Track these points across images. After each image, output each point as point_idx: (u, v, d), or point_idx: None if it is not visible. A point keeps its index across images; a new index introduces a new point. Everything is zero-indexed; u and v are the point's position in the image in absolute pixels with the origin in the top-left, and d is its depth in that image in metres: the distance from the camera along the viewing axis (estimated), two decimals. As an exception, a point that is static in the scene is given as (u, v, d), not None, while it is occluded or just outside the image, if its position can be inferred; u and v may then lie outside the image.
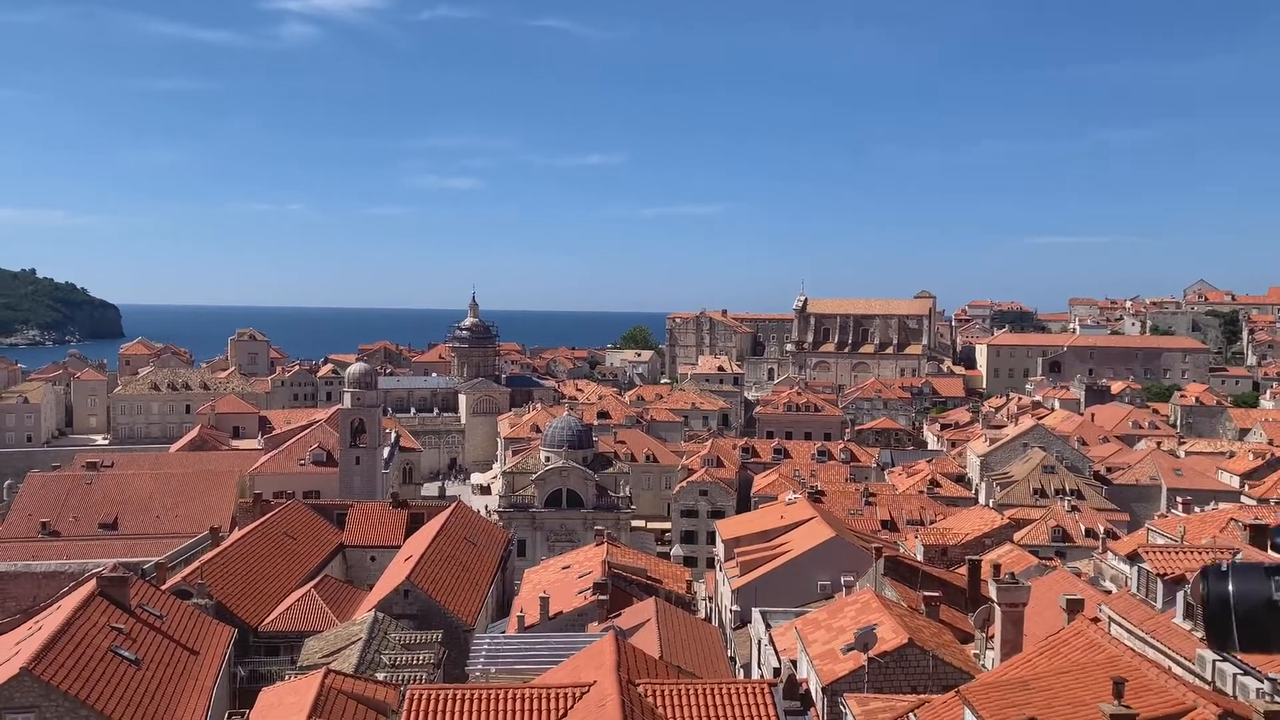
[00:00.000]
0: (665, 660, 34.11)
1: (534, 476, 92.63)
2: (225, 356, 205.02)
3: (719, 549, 69.21)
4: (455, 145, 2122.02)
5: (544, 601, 47.00)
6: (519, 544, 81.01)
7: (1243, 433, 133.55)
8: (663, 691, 26.16)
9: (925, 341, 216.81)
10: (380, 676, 34.61)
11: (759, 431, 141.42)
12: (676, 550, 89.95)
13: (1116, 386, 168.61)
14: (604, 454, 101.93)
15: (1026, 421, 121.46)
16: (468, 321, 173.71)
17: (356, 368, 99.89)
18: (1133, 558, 36.46)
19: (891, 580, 46.76)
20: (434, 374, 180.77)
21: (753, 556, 58.33)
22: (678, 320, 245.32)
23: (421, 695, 25.34)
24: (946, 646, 35.86)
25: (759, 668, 44.51)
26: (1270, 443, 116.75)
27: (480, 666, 35.64)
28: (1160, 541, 46.78)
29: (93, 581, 39.27)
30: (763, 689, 26.68)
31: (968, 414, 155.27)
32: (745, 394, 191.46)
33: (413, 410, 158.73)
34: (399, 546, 61.13)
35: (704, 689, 26.51)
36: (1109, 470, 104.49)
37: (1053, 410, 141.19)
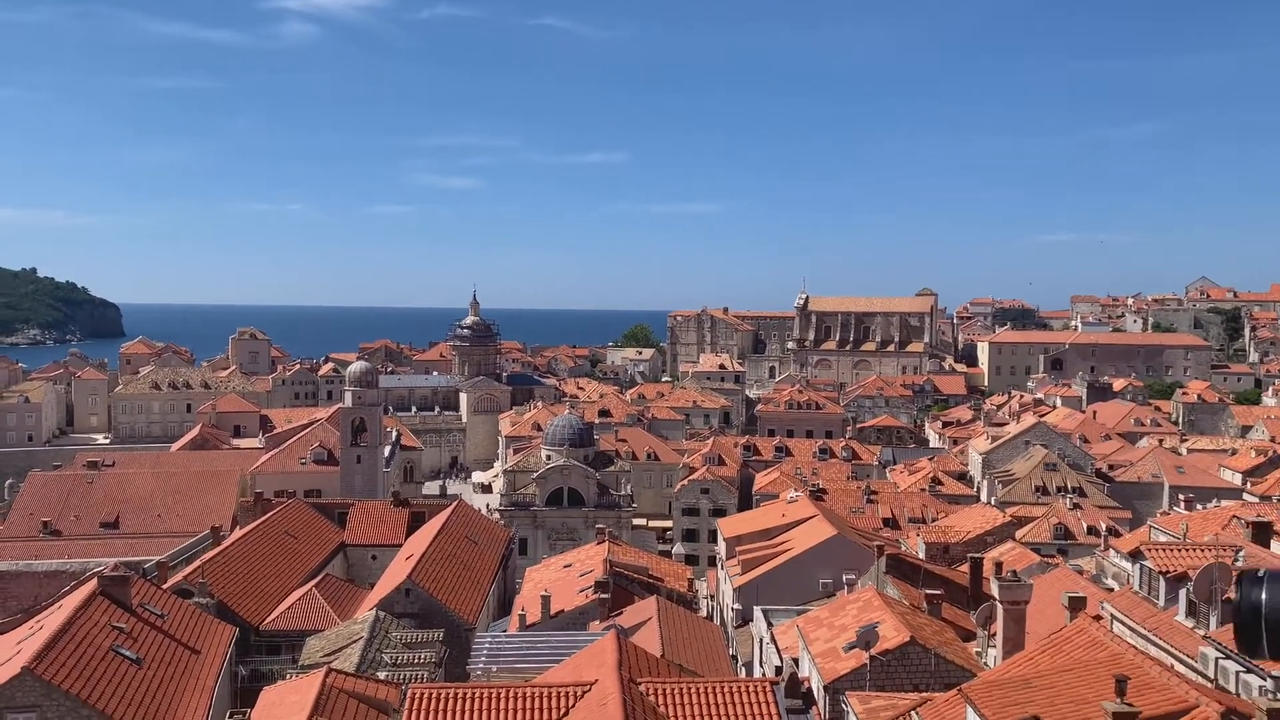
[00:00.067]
0: (667, 659, 34.08)
1: (535, 475, 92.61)
2: (226, 355, 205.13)
3: (720, 547, 69.17)
4: (456, 144, 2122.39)
5: (545, 600, 46.97)
6: (520, 542, 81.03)
7: (1245, 430, 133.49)
8: (664, 690, 26.13)
9: (927, 339, 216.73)
10: (382, 675, 34.58)
11: (760, 429, 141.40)
12: (678, 549, 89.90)
13: (1118, 384, 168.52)
14: (605, 452, 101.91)
15: (1028, 419, 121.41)
16: (469, 320, 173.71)
17: (357, 366, 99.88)
18: (1135, 555, 36.42)
19: (893, 578, 46.71)
20: (435, 372, 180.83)
21: (754, 555, 58.28)
22: (679, 318, 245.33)
23: (423, 694, 25.31)
24: (948, 645, 35.80)
25: (761, 666, 44.47)
26: (1272, 440, 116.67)
27: (482, 665, 35.61)
28: (1162, 539, 46.68)
29: (94, 581, 39.26)
30: (764, 687, 26.65)
31: (969, 412, 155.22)
32: (746, 392, 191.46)
33: (414, 409, 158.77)
34: (400, 545, 61.13)
35: (706, 688, 26.48)
36: (1111, 468, 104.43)
37: (1054, 408, 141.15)
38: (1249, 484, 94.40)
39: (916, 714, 26.50)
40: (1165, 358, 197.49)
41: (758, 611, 47.05)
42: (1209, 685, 25.24)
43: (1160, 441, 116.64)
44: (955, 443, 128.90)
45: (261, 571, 53.52)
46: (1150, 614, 33.01)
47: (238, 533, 60.88)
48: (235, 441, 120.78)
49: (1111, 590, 41.92)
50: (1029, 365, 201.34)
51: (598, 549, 57.58)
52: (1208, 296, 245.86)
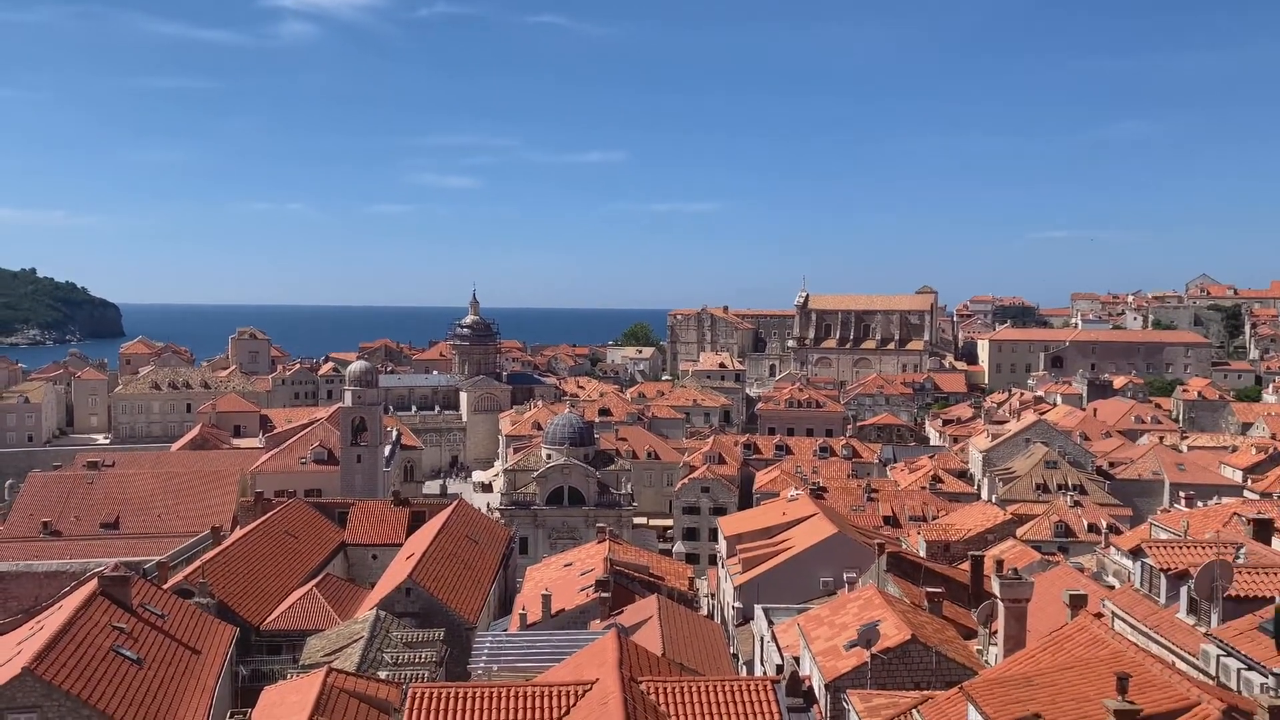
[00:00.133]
0: (668, 658, 34.04)
1: (535, 474, 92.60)
2: (226, 355, 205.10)
3: (721, 546, 69.15)
4: (455, 143, 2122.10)
5: (546, 599, 46.94)
6: (521, 541, 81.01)
7: (1245, 427, 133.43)
8: (665, 689, 26.09)
9: (927, 337, 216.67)
10: (382, 675, 34.55)
11: (761, 428, 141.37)
12: (678, 547, 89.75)
13: (1119, 381, 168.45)
14: (605, 451, 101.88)
15: (1029, 417, 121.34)
16: (468, 319, 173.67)
17: (357, 366, 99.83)
18: (1136, 553, 36.36)
19: (894, 576, 46.70)
20: (435, 372, 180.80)
21: (755, 553, 58.26)
22: (679, 317, 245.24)
23: (424, 694, 25.27)
24: (949, 643, 35.78)
25: (761, 664, 44.45)
26: (1273, 437, 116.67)
27: (482, 665, 35.57)
28: (1163, 536, 46.65)
29: (94, 581, 39.22)
30: (765, 686, 26.60)
31: (970, 409, 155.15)
32: (747, 390, 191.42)
33: (414, 408, 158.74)
34: (400, 545, 61.09)
35: (707, 686, 26.43)
36: (1111, 465, 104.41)
37: (1055, 405, 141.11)
38: (1249, 481, 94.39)
39: (918, 712, 26.48)
40: (1165, 355, 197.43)
41: (758, 610, 47.03)
42: (1210, 683, 25.21)
43: (1161, 439, 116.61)
44: (956, 441, 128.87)
45: (262, 571, 53.48)
46: (1151, 611, 32.97)
47: (238, 533, 60.84)
48: (235, 441, 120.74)
49: (1112, 588, 41.89)
50: (1029, 363, 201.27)
51: (598, 548, 57.55)
52: (1208, 294, 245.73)
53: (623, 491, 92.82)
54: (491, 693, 25.30)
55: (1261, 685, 24.81)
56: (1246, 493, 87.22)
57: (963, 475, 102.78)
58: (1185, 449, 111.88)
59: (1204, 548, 34.15)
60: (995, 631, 34.01)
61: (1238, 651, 26.69)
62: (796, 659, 37.52)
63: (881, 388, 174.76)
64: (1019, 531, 69.75)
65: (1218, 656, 27.19)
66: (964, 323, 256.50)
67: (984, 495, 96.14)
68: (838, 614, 38.26)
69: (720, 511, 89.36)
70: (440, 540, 55.02)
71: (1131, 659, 22.73)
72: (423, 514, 66.80)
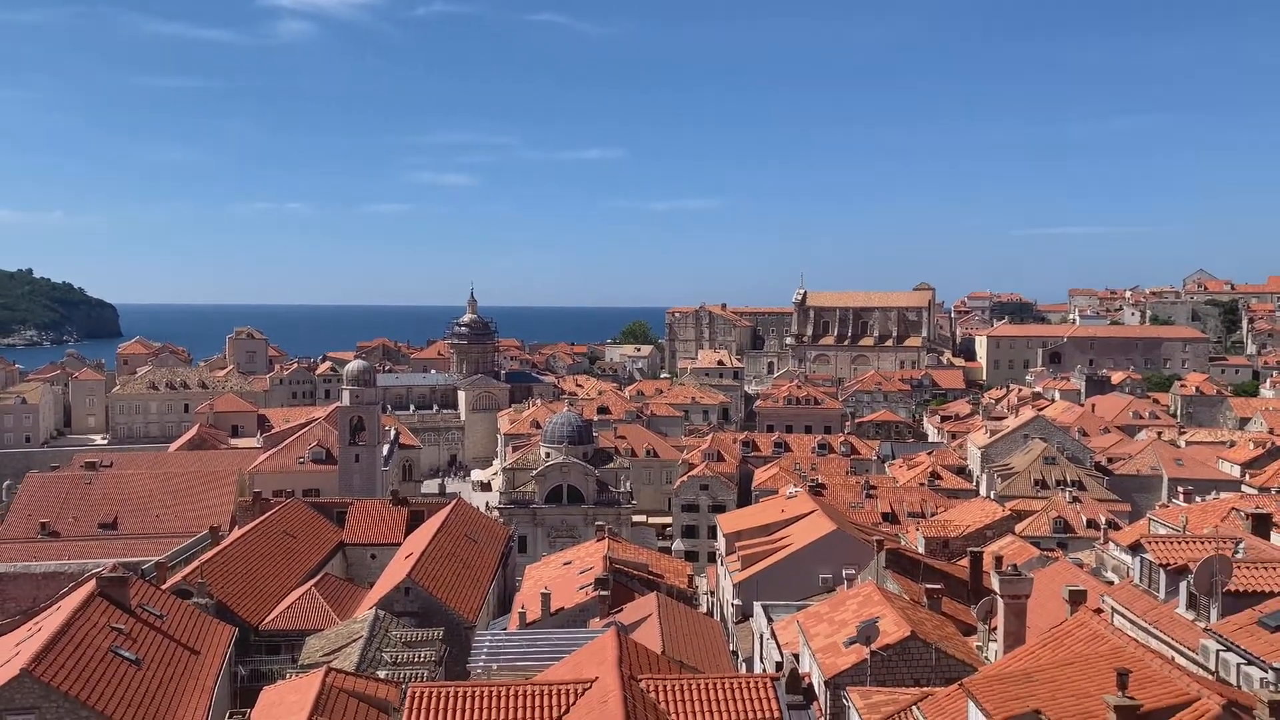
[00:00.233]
0: (667, 655, 34.00)
1: (534, 472, 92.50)
2: (223, 355, 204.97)
3: (720, 543, 69.12)
4: (452, 141, 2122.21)
5: (545, 598, 46.90)
6: (520, 540, 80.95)
7: (1243, 422, 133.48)
8: (665, 687, 26.04)
9: (924, 334, 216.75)
10: (382, 674, 34.51)
11: (759, 425, 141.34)
12: (678, 545, 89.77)
13: (1117, 377, 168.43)
14: (604, 449, 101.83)
15: (1027, 413, 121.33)
16: (466, 318, 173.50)
17: (355, 365, 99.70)
18: (1135, 548, 36.35)
19: (893, 573, 46.68)
20: (433, 371, 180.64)
21: (754, 550, 58.23)
22: (677, 314, 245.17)
23: (423, 693, 25.22)
24: (949, 639, 35.77)
25: (761, 662, 44.42)
26: (1271, 431, 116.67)
27: (482, 664, 35.52)
28: (1162, 532, 46.70)
29: (92, 582, 39.16)
30: (765, 683, 26.56)
31: (968, 406, 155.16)
32: (745, 388, 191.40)
33: (412, 407, 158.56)
34: (399, 544, 61.03)
35: (706, 684, 26.39)
36: (1110, 461, 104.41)
37: (1053, 401, 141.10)
38: (1247, 476, 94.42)
39: (918, 709, 26.46)
40: (1163, 350, 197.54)
41: (758, 607, 46.99)
42: (1210, 678, 25.20)
43: (1159, 434, 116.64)
44: (954, 437, 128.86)
45: (260, 571, 53.41)
46: (1151, 607, 32.97)
47: (236, 533, 60.76)
48: (233, 441, 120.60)
49: (1111, 583, 41.89)
50: (1027, 359, 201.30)
51: (597, 546, 57.52)
52: (1205, 289, 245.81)
53: (622, 489, 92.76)
54: (491, 692, 25.25)
55: (1261, 680, 24.80)
56: (1244, 487, 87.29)
57: (961, 472, 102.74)
58: (1183, 444, 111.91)
59: (1203, 543, 34.17)
60: (995, 628, 33.99)
61: (1237, 646, 26.68)
62: (796, 656, 37.49)
63: (880, 384, 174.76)
64: (1018, 527, 69.72)
65: (1217, 651, 27.19)
66: (962, 319, 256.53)
67: (982, 491, 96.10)
68: (837, 611, 38.23)
69: (719, 509, 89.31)
70: (439, 539, 54.97)
71: (1131, 654, 22.70)
72: (421, 513, 66.72)
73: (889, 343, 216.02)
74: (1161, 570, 32.93)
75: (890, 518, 77.45)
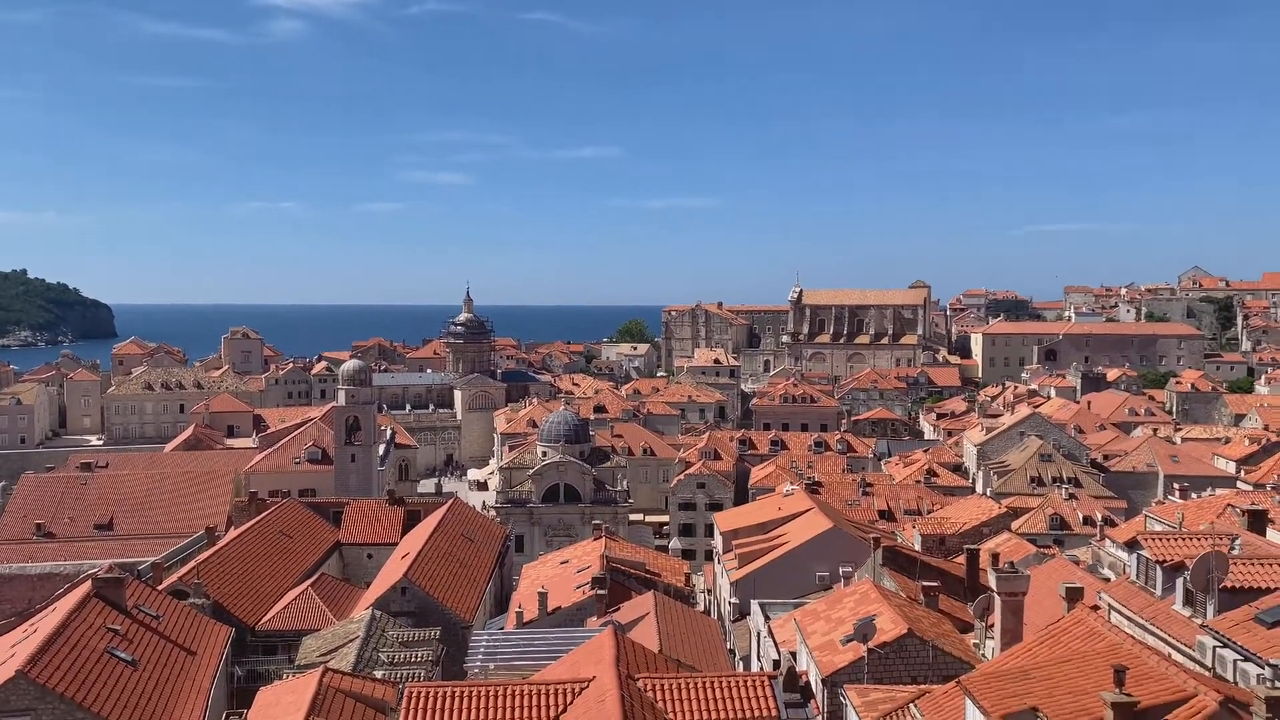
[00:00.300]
0: (664, 654, 33.99)
1: (531, 471, 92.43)
2: (219, 355, 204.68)
3: (717, 541, 69.11)
4: (446, 140, 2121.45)
5: (542, 597, 46.87)
6: (517, 539, 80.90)
7: (1238, 418, 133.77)
8: (662, 686, 26.02)
9: (920, 331, 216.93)
10: (378, 674, 34.46)
11: (756, 423, 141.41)
12: (674, 543, 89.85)
13: (1112, 374, 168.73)
14: (601, 448, 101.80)
15: (1023, 410, 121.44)
16: (462, 317, 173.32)
17: (351, 365, 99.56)
18: (1131, 545, 36.39)
19: (890, 570, 46.69)
20: (429, 370, 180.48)
21: (751, 548, 58.22)
22: (673, 313, 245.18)
23: (420, 693, 25.19)
24: (946, 636, 35.78)
25: (758, 660, 44.43)
26: (1265, 428, 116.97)
27: (479, 663, 35.48)
28: (1158, 528, 46.76)
29: (88, 583, 39.05)
30: (763, 682, 26.54)
31: (964, 403, 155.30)
32: (742, 386, 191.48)
33: (408, 407, 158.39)
34: (396, 544, 60.96)
35: (704, 683, 26.38)
36: (1106, 458, 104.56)
37: (1049, 398, 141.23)
38: (1243, 472, 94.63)
39: (915, 706, 26.47)
40: (1159, 347, 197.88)
41: (755, 605, 47.00)
42: (1207, 674, 25.22)
43: (1154, 431, 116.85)
44: (950, 434, 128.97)
45: (257, 572, 53.32)
46: (1147, 604, 33.00)
47: (232, 533, 60.66)
48: (229, 441, 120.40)
49: (1108, 580, 41.94)
50: (1023, 356, 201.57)
51: (594, 545, 57.48)
52: (1200, 286, 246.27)
53: (618, 488, 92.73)
54: (488, 691, 25.22)
55: (1258, 676, 24.83)
56: (1240, 484, 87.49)
57: (957, 469, 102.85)
58: (1179, 441, 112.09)
59: (1199, 539, 34.21)
60: (992, 625, 34.03)
61: (1234, 643, 26.70)
62: (793, 654, 37.50)
63: (875, 382, 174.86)
64: (1014, 525, 69.78)
65: (1214, 648, 27.21)
66: (957, 317, 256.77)
67: (978, 489, 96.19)
68: (834, 609, 38.24)
69: (716, 507, 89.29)
70: (436, 539, 54.91)
71: (1128, 651, 22.72)
72: (418, 513, 66.68)
73: (885, 341, 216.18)
74: (1158, 567, 32.96)
75: (887, 515, 77.48)
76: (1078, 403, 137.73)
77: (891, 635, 33.54)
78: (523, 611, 46.90)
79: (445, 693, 25.18)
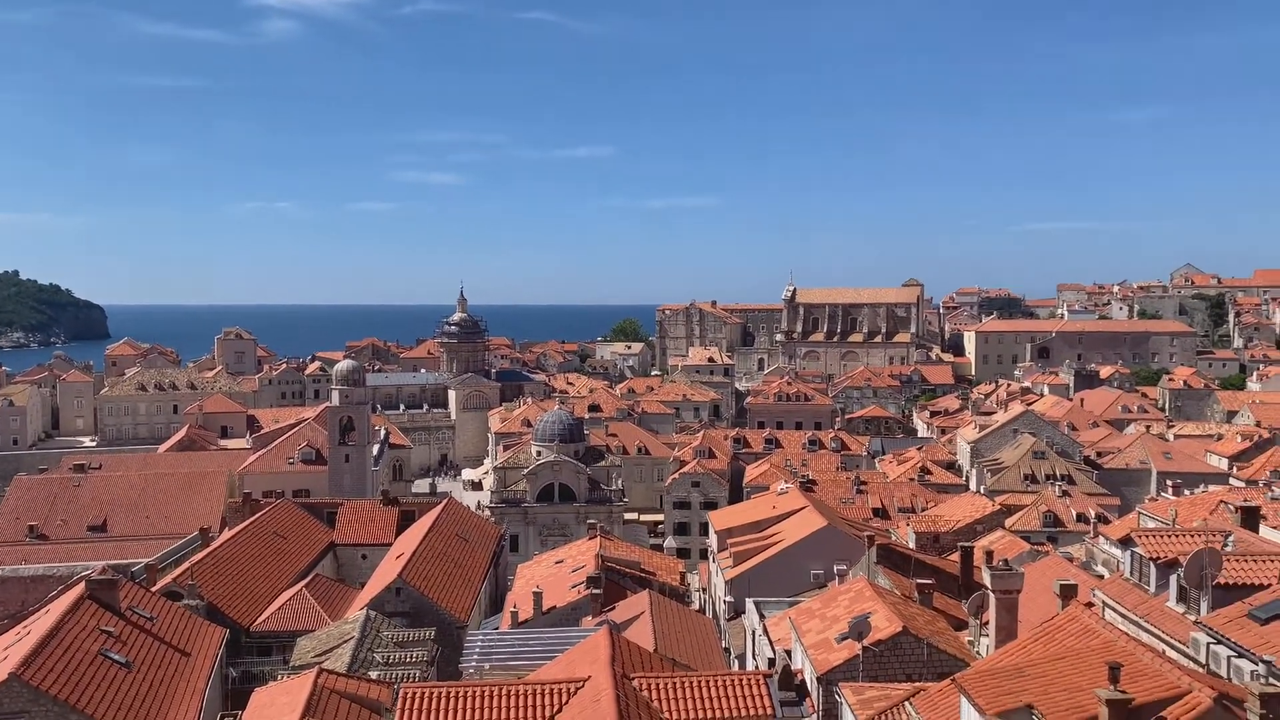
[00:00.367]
0: (660, 654, 33.98)
1: (526, 471, 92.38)
2: (212, 356, 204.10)
3: (712, 540, 69.15)
4: (440, 140, 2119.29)
5: (537, 597, 46.84)
6: (511, 539, 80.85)
7: (1230, 415, 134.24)
8: (658, 685, 26.01)
9: (913, 329, 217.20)
10: (373, 675, 34.41)
11: (750, 422, 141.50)
12: (669, 542, 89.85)
13: (1105, 371, 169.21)
14: (595, 447, 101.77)
15: (1016, 407, 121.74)
16: (456, 316, 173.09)
17: (344, 365, 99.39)
18: (1125, 542, 36.47)
19: (884, 568, 46.73)
20: (423, 370, 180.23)
21: (746, 547, 58.26)
22: (667, 312, 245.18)
23: (415, 693, 25.15)
24: (941, 634, 35.83)
25: (753, 658, 44.45)
26: (1258, 424, 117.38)
27: (474, 663, 35.46)
28: (1152, 525, 46.84)
29: (82, 584, 38.93)
30: (758, 680, 26.55)
31: (957, 401, 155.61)
32: (736, 385, 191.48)
33: (402, 407, 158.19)
34: (390, 544, 60.86)
35: (699, 682, 26.37)
36: (1099, 455, 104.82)
37: (1042, 396, 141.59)
38: (1235, 469, 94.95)
39: (910, 704, 26.51)
40: (1151, 344, 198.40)
41: (750, 604, 47.03)
42: (1201, 671, 25.28)
43: (1147, 428, 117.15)
44: (943, 432, 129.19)
45: (251, 573, 53.21)
46: (1141, 600, 33.08)
47: (226, 534, 60.53)
48: (222, 442, 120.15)
49: (1101, 577, 42.03)
50: (1016, 354, 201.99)
51: (589, 544, 57.46)
52: (1192, 283, 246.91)
53: (613, 487, 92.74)
54: (483, 692, 25.19)
55: (1252, 672, 24.89)
56: (1233, 480, 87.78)
57: (951, 467, 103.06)
58: (1172, 438, 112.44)
59: (1192, 536, 34.27)
60: (986, 622, 34.09)
61: (1228, 639, 26.76)
62: (788, 652, 37.53)
63: (869, 380, 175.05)
64: (1008, 522, 69.87)
65: (1208, 644, 27.27)
66: (950, 315, 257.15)
67: (972, 486, 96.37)
68: (829, 607, 38.27)
69: (711, 506, 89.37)
70: (430, 539, 54.84)
71: (1123, 648, 22.77)
72: (412, 513, 66.58)
73: (878, 339, 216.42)
74: (1152, 564, 33.04)
75: (881, 513, 77.59)
76: (1071, 400, 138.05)
77: (886, 633, 33.58)
78: (518, 611, 46.85)
79: (440, 693, 25.14)
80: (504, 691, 25.15)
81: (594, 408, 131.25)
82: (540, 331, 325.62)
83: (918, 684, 29.07)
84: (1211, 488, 68.30)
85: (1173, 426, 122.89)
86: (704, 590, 69.38)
